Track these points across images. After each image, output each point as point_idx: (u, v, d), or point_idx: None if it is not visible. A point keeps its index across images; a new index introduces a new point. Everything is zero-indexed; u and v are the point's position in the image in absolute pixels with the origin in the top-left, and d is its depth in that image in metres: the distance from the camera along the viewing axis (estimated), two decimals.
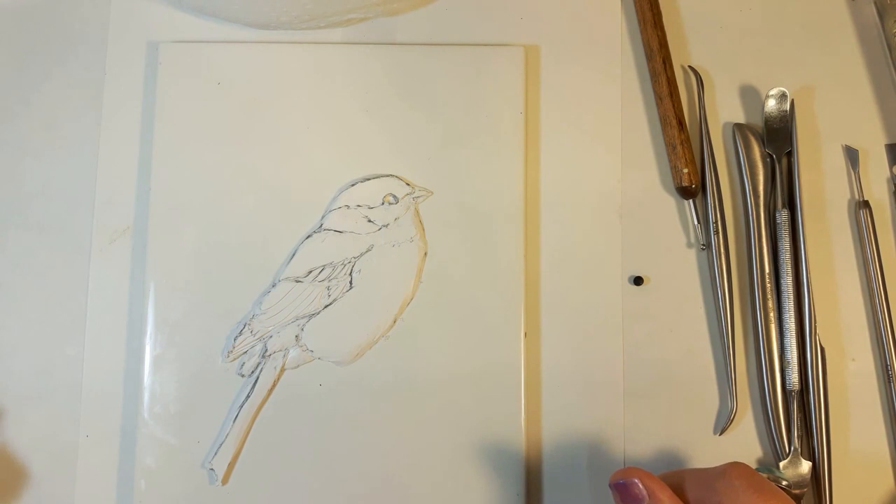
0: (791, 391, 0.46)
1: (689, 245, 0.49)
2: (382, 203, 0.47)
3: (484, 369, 0.46)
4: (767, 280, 0.47)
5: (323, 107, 0.48)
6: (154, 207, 0.47)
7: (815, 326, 0.46)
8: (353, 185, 0.48)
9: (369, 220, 0.47)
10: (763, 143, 0.49)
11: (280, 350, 0.46)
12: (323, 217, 0.47)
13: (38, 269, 0.48)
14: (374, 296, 0.46)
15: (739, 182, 0.49)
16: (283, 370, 0.46)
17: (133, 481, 0.45)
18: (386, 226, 0.47)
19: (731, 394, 0.46)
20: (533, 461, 0.46)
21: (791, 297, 0.47)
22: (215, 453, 0.45)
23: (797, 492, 0.45)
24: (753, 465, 0.46)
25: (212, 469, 0.45)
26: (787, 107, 0.49)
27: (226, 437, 0.45)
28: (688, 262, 0.48)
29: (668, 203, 0.49)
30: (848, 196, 0.49)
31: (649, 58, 0.50)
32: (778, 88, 0.49)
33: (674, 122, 0.48)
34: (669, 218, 0.49)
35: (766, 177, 0.49)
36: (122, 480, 0.46)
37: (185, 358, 0.46)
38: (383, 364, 0.46)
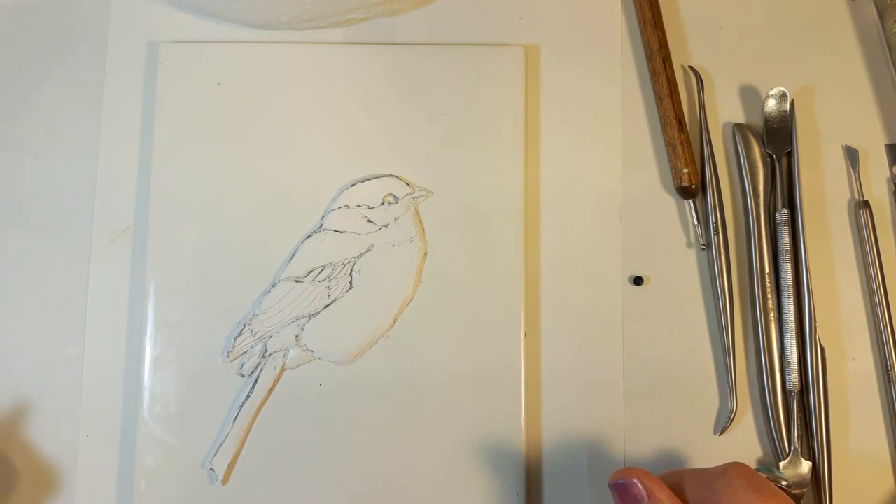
0: (791, 391, 0.46)
1: (689, 245, 0.49)
2: (382, 203, 0.47)
3: (484, 369, 0.46)
4: (767, 280, 0.47)
5: (323, 107, 0.48)
6: (154, 207, 0.47)
7: (815, 326, 0.46)
8: (353, 185, 0.48)
9: (369, 220, 0.47)
10: (763, 143, 0.49)
11: (280, 350, 0.46)
12: (323, 217, 0.47)
13: (38, 269, 0.48)
14: (374, 296, 0.46)
15: (739, 182, 0.49)
16: (283, 370, 0.46)
17: (133, 481, 0.45)
18: (386, 226, 0.47)
19: (731, 394, 0.46)
20: (533, 461, 0.46)
21: (791, 297, 0.47)
22: (215, 453, 0.45)
23: (797, 492, 0.45)
24: (753, 465, 0.46)
25: (212, 469, 0.45)
26: (787, 107, 0.49)
27: (226, 437, 0.45)
28: (688, 262, 0.48)
29: (668, 203, 0.49)
30: (848, 196, 0.49)
31: (649, 58, 0.50)
32: (778, 88, 0.49)
33: (674, 122, 0.48)
34: (669, 218, 0.49)
35: (766, 177, 0.49)
36: (122, 480, 0.46)
37: (185, 358, 0.46)
38: (383, 364, 0.46)
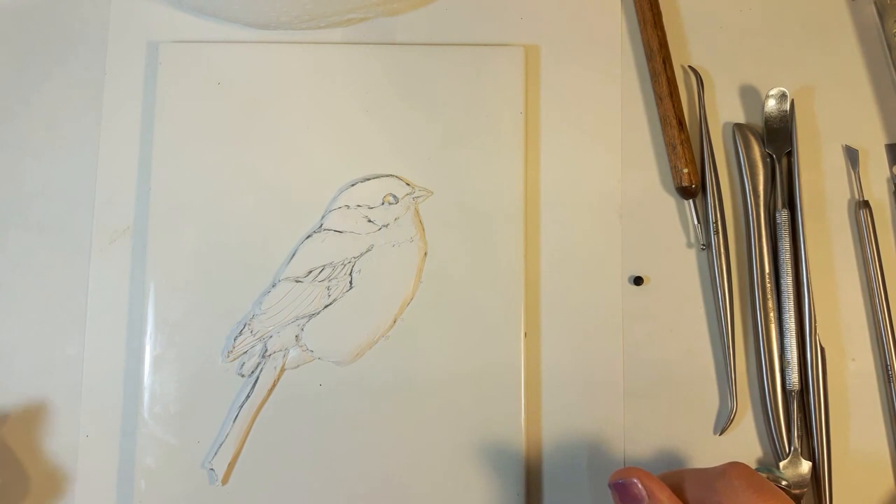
0: (791, 391, 0.46)
1: (689, 245, 0.49)
2: (382, 203, 0.47)
3: (484, 369, 0.46)
4: (767, 280, 0.47)
5: (323, 107, 0.48)
6: (154, 207, 0.47)
7: (815, 326, 0.46)
8: (353, 185, 0.48)
9: (369, 220, 0.47)
10: (763, 143, 0.49)
11: (280, 350, 0.46)
12: (323, 217, 0.47)
13: (38, 269, 0.48)
14: (374, 296, 0.46)
15: (739, 182, 0.49)
16: (283, 370, 0.46)
17: (133, 481, 0.45)
18: (386, 226, 0.47)
19: (731, 394, 0.46)
20: (533, 461, 0.46)
21: (791, 297, 0.47)
22: (215, 453, 0.45)
23: (797, 492, 0.45)
24: (753, 465, 0.46)
25: (212, 469, 0.45)
26: (787, 107, 0.49)
27: (226, 437, 0.45)
28: (688, 262, 0.48)
29: (668, 203, 0.49)
30: (848, 196, 0.49)
31: (649, 58, 0.50)
32: (778, 88, 0.49)
33: (674, 122, 0.48)
34: (669, 218, 0.49)
35: (766, 177, 0.49)
36: (122, 480, 0.46)
37: (185, 358, 0.46)
38: (383, 364, 0.46)
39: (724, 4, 0.51)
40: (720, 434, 0.47)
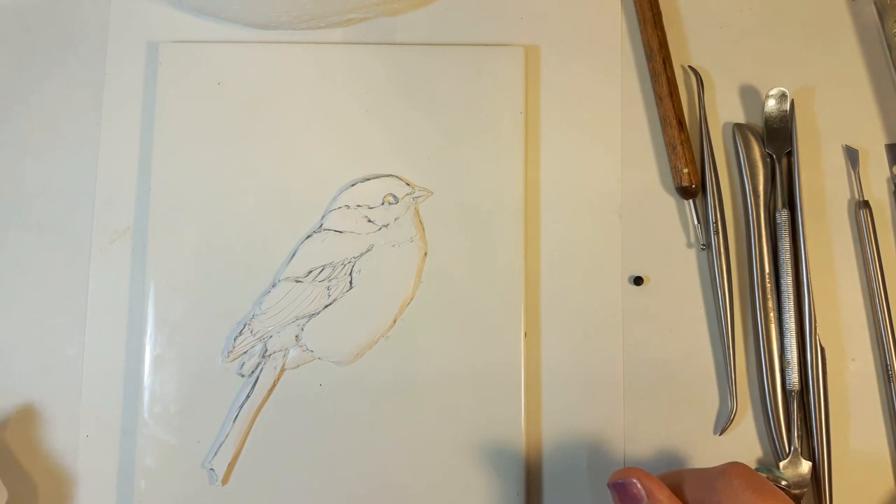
0: (791, 391, 0.46)
1: (689, 245, 0.49)
2: (382, 203, 0.47)
3: (484, 369, 0.46)
4: (767, 280, 0.47)
5: (323, 107, 0.48)
6: (154, 207, 0.47)
7: (815, 326, 0.46)
8: (353, 185, 0.48)
9: (369, 220, 0.47)
10: (763, 143, 0.49)
11: (280, 350, 0.46)
12: (323, 217, 0.47)
13: (38, 269, 0.48)
14: (374, 296, 0.46)
15: (739, 182, 0.49)
16: (283, 370, 0.46)
17: (133, 481, 0.45)
18: (386, 226, 0.47)
19: (731, 394, 0.46)
20: (533, 461, 0.46)
21: (791, 297, 0.47)
22: (215, 453, 0.45)
23: (797, 492, 0.45)
24: (753, 465, 0.46)
25: (212, 469, 0.45)
26: (787, 107, 0.49)
27: (226, 437, 0.45)
28: (688, 262, 0.48)
29: (668, 203, 0.49)
30: (848, 196, 0.49)
31: (649, 58, 0.50)
32: (778, 88, 0.49)
33: (674, 122, 0.48)
34: (669, 218, 0.49)
35: (766, 177, 0.49)
36: (122, 480, 0.46)
37: (185, 358, 0.46)
38: (383, 364, 0.46)
39: (724, 4, 0.51)
40: (720, 434, 0.47)
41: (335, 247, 0.47)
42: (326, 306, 0.46)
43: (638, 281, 0.48)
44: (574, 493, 0.46)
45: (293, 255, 0.47)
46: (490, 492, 0.45)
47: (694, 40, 0.51)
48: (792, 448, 0.45)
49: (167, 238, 0.47)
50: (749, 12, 0.51)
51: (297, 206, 0.47)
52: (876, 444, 0.47)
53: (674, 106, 0.48)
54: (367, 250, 0.47)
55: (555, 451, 0.46)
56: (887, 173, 0.50)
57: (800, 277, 0.47)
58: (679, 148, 0.48)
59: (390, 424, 0.46)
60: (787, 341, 0.46)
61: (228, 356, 0.46)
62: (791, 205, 0.48)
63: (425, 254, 0.47)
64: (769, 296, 0.47)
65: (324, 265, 0.46)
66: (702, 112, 0.49)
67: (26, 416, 0.46)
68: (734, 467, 0.37)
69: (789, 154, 0.49)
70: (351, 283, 0.46)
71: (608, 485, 0.39)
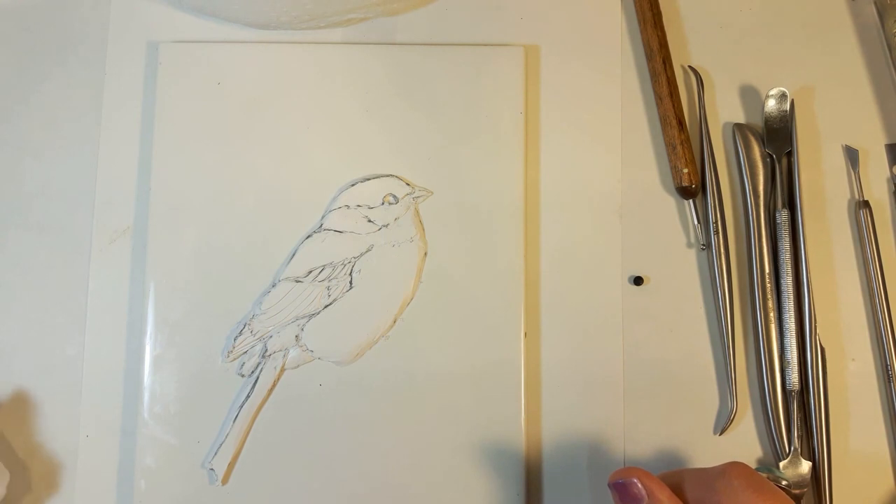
0: (791, 391, 0.46)
1: (689, 245, 0.49)
2: (382, 203, 0.47)
3: (484, 369, 0.46)
4: (767, 280, 0.47)
5: (323, 107, 0.48)
6: (154, 207, 0.47)
7: (815, 326, 0.46)
8: (353, 185, 0.48)
9: (369, 220, 0.47)
10: (763, 143, 0.49)
11: (280, 350, 0.46)
12: (323, 217, 0.47)
13: (38, 269, 0.48)
14: (374, 296, 0.46)
15: (739, 182, 0.49)
16: (283, 370, 0.46)
17: (133, 481, 0.45)
18: (386, 226, 0.47)
19: (731, 394, 0.46)
20: (533, 461, 0.46)
21: (791, 297, 0.47)
22: (215, 453, 0.45)
23: (797, 492, 0.45)
24: (753, 465, 0.46)
25: (212, 469, 0.45)
26: (787, 107, 0.49)
27: (226, 437, 0.45)
28: (688, 262, 0.48)
29: (668, 203, 0.49)
30: (848, 196, 0.49)
31: (649, 58, 0.50)
32: (778, 88, 0.49)
33: (674, 122, 0.48)
34: (669, 218, 0.49)
35: (766, 177, 0.49)
36: (122, 480, 0.46)
37: (185, 358, 0.46)
38: (383, 364, 0.46)
39: (724, 4, 0.51)
40: (720, 434, 0.47)
41: (335, 247, 0.47)
42: (326, 306, 0.46)
43: (638, 281, 0.48)
44: (574, 493, 0.46)
45: (293, 255, 0.47)
46: (490, 492, 0.45)
47: (694, 40, 0.51)
48: (792, 448, 0.45)
49: (167, 238, 0.47)
50: (749, 12, 0.51)
51: (297, 206, 0.47)
52: (876, 444, 0.47)
53: (674, 106, 0.48)
54: (367, 250, 0.47)
55: (555, 451, 0.46)
56: (887, 173, 0.50)
57: (800, 277, 0.47)
58: (679, 148, 0.48)
59: (390, 424, 0.46)
60: (787, 341, 0.46)
61: (228, 356, 0.46)
62: (791, 205, 0.48)
63: (425, 254, 0.47)
64: (769, 296, 0.47)
65: (324, 265, 0.46)
66: (702, 112, 0.49)
67: (26, 417, 0.46)
68: (734, 467, 0.37)
69: (789, 154, 0.49)
70: (351, 283, 0.46)
71: (609, 485, 0.39)
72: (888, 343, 0.47)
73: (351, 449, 0.45)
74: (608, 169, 0.49)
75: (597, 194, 0.49)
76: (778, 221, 0.48)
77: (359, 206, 0.47)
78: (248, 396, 0.45)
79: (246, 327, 0.46)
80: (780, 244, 0.47)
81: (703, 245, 0.48)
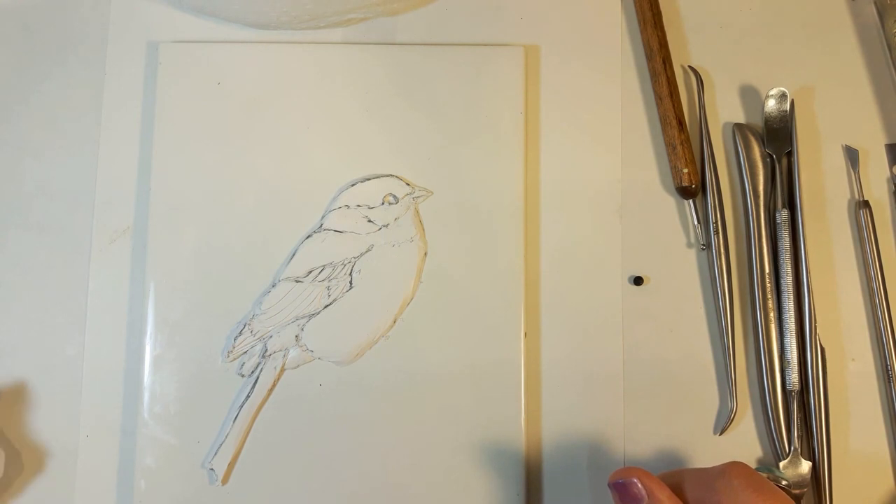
0: (791, 391, 0.46)
1: (689, 245, 0.49)
2: (382, 203, 0.47)
3: (484, 369, 0.46)
4: (767, 280, 0.47)
5: (323, 107, 0.48)
6: (154, 207, 0.47)
7: (815, 326, 0.46)
8: (353, 185, 0.48)
9: (369, 220, 0.47)
10: (763, 143, 0.49)
11: (280, 350, 0.46)
12: (323, 217, 0.47)
13: (38, 269, 0.48)
14: (374, 296, 0.46)
15: (739, 182, 0.49)
16: (283, 370, 0.46)
17: (133, 481, 0.45)
18: (386, 226, 0.47)
19: (731, 394, 0.46)
20: (533, 461, 0.46)
21: (791, 297, 0.47)
22: (215, 453, 0.45)
23: (797, 492, 0.45)
24: (753, 465, 0.46)
25: (212, 469, 0.45)
26: (787, 107, 0.49)
27: (226, 437, 0.45)
28: (688, 262, 0.48)
29: (668, 203, 0.49)
30: (848, 196, 0.49)
31: (649, 58, 0.50)
32: (778, 88, 0.49)
33: (674, 122, 0.48)
34: (669, 218, 0.49)
35: (766, 177, 0.49)
36: (122, 480, 0.46)
37: (185, 358, 0.46)
38: (383, 364, 0.46)
39: (724, 4, 0.51)
40: (720, 434, 0.47)
41: (335, 247, 0.47)
42: (326, 306, 0.46)
43: (638, 281, 0.48)
44: (574, 493, 0.46)
45: (293, 255, 0.47)
46: (490, 492, 0.45)
47: (694, 40, 0.51)
48: (792, 448, 0.45)
49: (167, 238, 0.47)
50: (749, 12, 0.51)
51: (297, 206, 0.47)
52: (876, 444, 0.47)
53: (674, 106, 0.48)
54: (367, 250, 0.47)
55: (555, 451, 0.46)
56: (887, 173, 0.50)
57: (800, 277, 0.47)
58: (679, 148, 0.48)
59: (390, 424, 0.46)
60: (787, 341, 0.46)
61: (228, 356, 0.46)
62: (791, 205, 0.48)
63: (425, 254, 0.47)
64: (769, 296, 0.47)
65: (324, 265, 0.46)
66: (702, 112, 0.49)
67: (26, 416, 0.46)
68: (734, 467, 0.37)
69: (789, 154, 0.49)
70: (351, 283, 0.46)
71: (609, 484, 0.39)
72: (888, 343, 0.47)
73: (351, 449, 0.45)
74: (608, 169, 0.49)
75: (597, 194, 0.49)
76: (778, 221, 0.48)
77: (359, 206, 0.47)
78: (248, 396, 0.45)
79: (246, 327, 0.46)
80: (780, 244, 0.47)
81: (703, 245, 0.48)
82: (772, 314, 0.47)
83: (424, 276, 0.47)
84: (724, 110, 0.50)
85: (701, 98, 0.49)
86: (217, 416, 0.46)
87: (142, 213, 0.48)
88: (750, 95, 0.50)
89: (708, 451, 0.46)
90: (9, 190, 0.48)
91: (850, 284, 0.48)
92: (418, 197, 0.47)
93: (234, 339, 0.46)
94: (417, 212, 0.47)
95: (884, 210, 0.49)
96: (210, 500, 0.45)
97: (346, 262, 0.47)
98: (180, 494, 0.45)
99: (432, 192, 0.48)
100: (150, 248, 0.47)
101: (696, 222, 0.48)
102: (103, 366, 0.47)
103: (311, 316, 0.46)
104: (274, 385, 0.46)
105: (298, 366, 0.46)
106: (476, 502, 0.45)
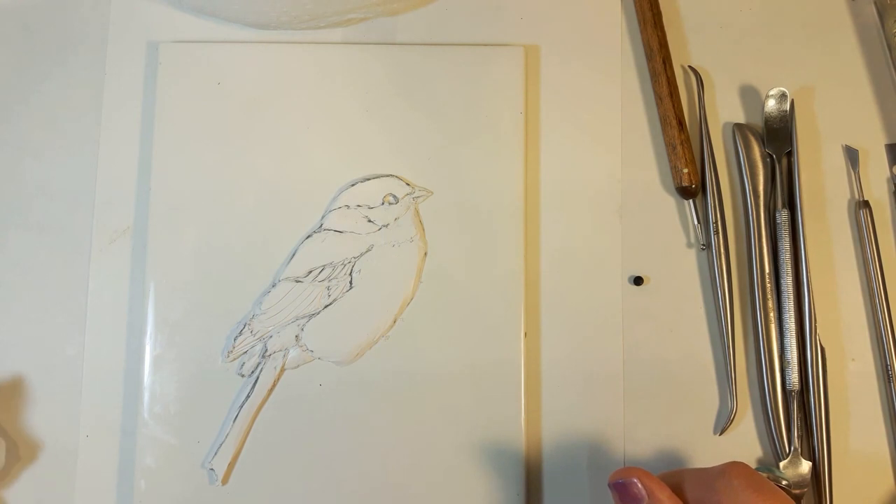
0: (791, 391, 0.46)
1: (689, 245, 0.49)
2: (382, 203, 0.47)
3: (484, 369, 0.46)
4: (767, 280, 0.47)
5: (323, 107, 0.48)
6: (154, 207, 0.47)
7: (815, 326, 0.46)
8: (353, 185, 0.48)
9: (369, 220, 0.47)
10: (763, 143, 0.49)
11: (280, 350, 0.46)
12: (323, 217, 0.47)
13: (38, 269, 0.48)
14: (374, 296, 0.46)
15: (739, 182, 0.49)
16: (283, 370, 0.46)
17: (133, 481, 0.45)
18: (386, 226, 0.47)
19: (731, 394, 0.46)
20: (533, 461, 0.46)
21: (791, 297, 0.47)
22: (215, 453, 0.45)
23: (797, 492, 0.45)
24: (753, 465, 0.46)
25: (212, 469, 0.45)
26: (787, 107, 0.49)
27: (226, 437, 0.45)
28: (688, 262, 0.48)
29: (668, 203, 0.49)
30: (848, 196, 0.49)
31: (649, 58, 0.50)
32: (778, 88, 0.49)
33: (674, 122, 0.48)
34: (669, 218, 0.49)
35: (766, 177, 0.49)
36: (122, 480, 0.46)
37: (185, 358, 0.46)
38: (383, 364, 0.46)
39: (724, 4, 0.51)
40: (720, 434, 0.47)
41: (335, 247, 0.47)
42: (326, 306, 0.46)
43: (638, 281, 0.48)
44: (574, 493, 0.46)
45: (293, 255, 0.47)
46: (490, 492, 0.45)
47: (694, 40, 0.51)
48: (792, 448, 0.45)
49: (167, 238, 0.47)
50: (749, 12, 0.51)
51: (297, 206, 0.47)
52: (876, 444, 0.47)
53: (674, 106, 0.48)
54: (367, 250, 0.47)
55: (555, 451, 0.46)
56: (887, 173, 0.50)
57: (800, 277, 0.47)
58: (679, 148, 0.48)
59: (390, 424, 0.46)
60: (787, 341, 0.46)
61: (228, 356, 0.46)
62: (791, 205, 0.48)
63: (425, 254, 0.47)
64: (769, 296, 0.47)
65: (324, 265, 0.46)
66: (702, 112, 0.49)
67: (26, 416, 0.46)
68: (734, 467, 0.37)
69: (789, 154, 0.49)
70: (351, 283, 0.46)
71: (609, 485, 0.39)
72: (888, 343, 0.47)
73: (351, 449, 0.45)
74: (608, 169, 0.49)
75: (597, 194, 0.49)
76: (778, 221, 0.48)
77: (359, 206, 0.47)
78: (248, 396, 0.45)
79: (246, 327, 0.46)
80: (780, 244, 0.47)
81: (703, 245, 0.48)
82: (772, 314, 0.47)
83: (424, 276, 0.47)
84: (724, 110, 0.50)
85: (701, 98, 0.49)
86: (217, 416, 0.45)
87: (142, 213, 0.48)
88: (750, 95, 0.50)
89: (708, 451, 0.46)
90: (9, 190, 0.48)
91: (850, 284, 0.48)
92: (418, 197, 0.47)
93: (234, 339, 0.46)
94: (417, 212, 0.47)
95: (884, 210, 0.49)
96: (210, 500, 0.45)
97: (346, 262, 0.47)
98: (180, 494, 0.45)
99: (432, 192, 0.48)
100: (150, 248, 0.47)
101: (696, 222, 0.48)
102: (103, 366, 0.47)
103: (311, 316, 0.46)
104: (274, 385, 0.46)
105: (298, 366, 0.46)
106: (476, 502, 0.45)
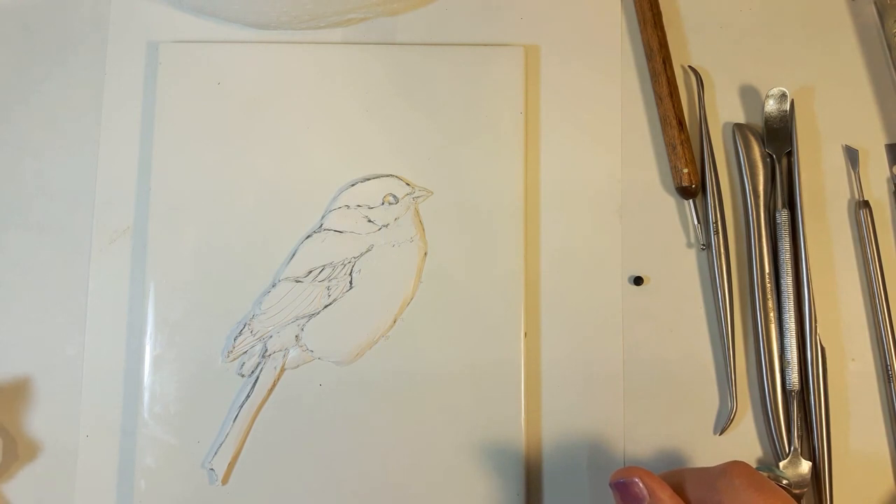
0: (791, 391, 0.46)
1: (689, 245, 0.49)
2: (382, 203, 0.47)
3: (484, 369, 0.46)
4: (767, 280, 0.47)
5: (323, 107, 0.48)
6: (154, 207, 0.47)
7: (815, 326, 0.46)
8: (353, 185, 0.48)
9: (369, 220, 0.47)
10: (763, 143, 0.49)
11: (280, 350, 0.46)
12: (323, 217, 0.47)
13: (38, 269, 0.48)
14: (374, 296, 0.46)
15: (739, 182, 0.49)
16: (283, 370, 0.46)
17: (133, 481, 0.45)
18: (386, 226, 0.47)
19: (731, 394, 0.46)
20: (533, 461, 0.46)
21: (791, 297, 0.47)
22: (215, 453, 0.45)
23: (797, 491, 0.45)
24: (753, 465, 0.46)
25: (212, 469, 0.45)
26: (787, 107, 0.49)
27: (226, 437, 0.45)
28: (688, 262, 0.48)
29: (668, 203, 0.49)
30: (848, 196, 0.49)
31: (649, 58, 0.50)
32: (778, 88, 0.49)
33: (674, 122, 0.48)
34: (669, 218, 0.49)
35: (766, 177, 0.49)
36: (122, 480, 0.46)
37: (185, 358, 0.46)
38: (383, 364, 0.46)
39: (724, 4, 0.52)
40: (720, 434, 0.47)
41: (335, 247, 0.47)
42: (326, 306, 0.46)
43: (638, 281, 0.48)
44: (574, 493, 0.46)
45: (293, 255, 0.47)
46: (490, 492, 0.45)
47: (694, 40, 0.51)
48: (792, 448, 0.45)
49: (167, 238, 0.47)
50: (749, 12, 0.51)
51: (297, 206, 0.47)
52: (876, 444, 0.47)
53: (674, 106, 0.48)
54: (367, 250, 0.47)
55: (555, 451, 0.46)
56: (887, 173, 0.50)
57: (800, 277, 0.47)
58: (679, 148, 0.48)
59: (390, 424, 0.46)
60: (787, 341, 0.46)
61: (228, 356, 0.46)
62: (791, 205, 0.48)
63: (425, 254, 0.47)
64: (769, 296, 0.47)
65: (324, 265, 0.46)
66: (702, 112, 0.49)
67: (26, 416, 0.46)
68: (735, 466, 0.37)
69: (789, 154, 0.49)
70: (351, 283, 0.46)
71: (610, 484, 0.39)
72: (888, 343, 0.47)
73: (351, 449, 0.45)
74: (608, 169, 0.49)
75: (597, 194, 0.49)
76: (778, 221, 0.48)
77: (359, 206, 0.47)
78: (248, 396, 0.45)
79: (246, 327, 0.46)
80: (780, 244, 0.47)
81: (703, 245, 0.48)
82: (772, 314, 0.47)
83: (424, 276, 0.47)
84: (724, 110, 0.50)
85: (701, 98, 0.49)
86: (217, 416, 0.45)
87: (142, 213, 0.48)
88: (750, 95, 0.50)
89: (708, 451, 0.46)
90: (9, 190, 0.48)
91: (850, 284, 0.48)
92: (418, 197, 0.47)
93: (234, 339, 0.46)
94: (417, 212, 0.47)
95: (884, 210, 0.49)
96: (210, 500, 0.45)
97: (346, 262, 0.47)
98: (180, 494, 0.45)
99: (432, 192, 0.48)
100: (150, 248, 0.47)
101: (696, 222, 0.48)
102: (103, 366, 0.47)
103: (311, 316, 0.46)
104: (274, 385, 0.46)
105: (298, 366, 0.46)
106: (476, 502, 0.45)
